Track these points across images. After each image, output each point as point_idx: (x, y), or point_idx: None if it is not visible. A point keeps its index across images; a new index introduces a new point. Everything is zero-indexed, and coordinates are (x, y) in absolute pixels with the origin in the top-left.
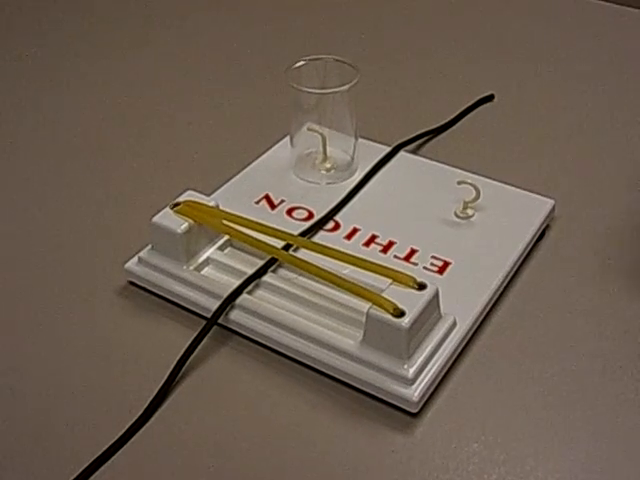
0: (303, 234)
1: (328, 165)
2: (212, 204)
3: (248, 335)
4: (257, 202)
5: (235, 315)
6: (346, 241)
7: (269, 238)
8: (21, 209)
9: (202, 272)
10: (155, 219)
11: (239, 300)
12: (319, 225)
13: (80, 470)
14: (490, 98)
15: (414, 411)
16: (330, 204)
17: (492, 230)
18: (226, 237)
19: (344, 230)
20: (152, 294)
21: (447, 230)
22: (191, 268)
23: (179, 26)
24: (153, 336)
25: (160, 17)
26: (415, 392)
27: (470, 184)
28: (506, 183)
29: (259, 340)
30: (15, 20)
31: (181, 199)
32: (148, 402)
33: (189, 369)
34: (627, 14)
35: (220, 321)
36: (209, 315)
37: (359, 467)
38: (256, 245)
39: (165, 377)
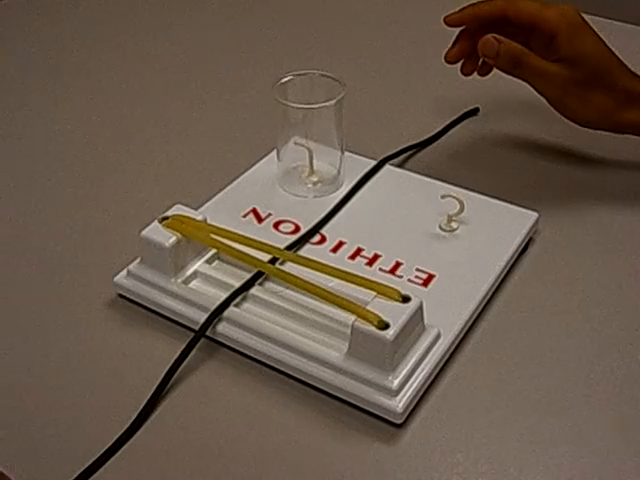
0: (289, 247)
1: (314, 179)
2: (200, 218)
3: (235, 347)
4: (244, 216)
5: (222, 328)
6: (332, 254)
7: (256, 251)
8: (10, 222)
9: (190, 285)
10: (144, 233)
11: (226, 313)
12: (305, 238)
13: None
14: (475, 112)
15: (398, 422)
16: (316, 217)
17: (476, 243)
18: (214, 250)
19: (330, 243)
20: (141, 307)
21: (431, 243)
22: (179, 281)
23: (165, 41)
24: (141, 348)
25: (145, 32)
26: (399, 403)
27: (454, 197)
28: (490, 196)
29: (246, 352)
30: (11, 21)
31: (169, 213)
32: (136, 414)
33: (177, 381)
34: (628, 31)
35: (208, 333)
36: (197, 328)
37: (343, 477)
38: (243, 258)
39: (153, 389)
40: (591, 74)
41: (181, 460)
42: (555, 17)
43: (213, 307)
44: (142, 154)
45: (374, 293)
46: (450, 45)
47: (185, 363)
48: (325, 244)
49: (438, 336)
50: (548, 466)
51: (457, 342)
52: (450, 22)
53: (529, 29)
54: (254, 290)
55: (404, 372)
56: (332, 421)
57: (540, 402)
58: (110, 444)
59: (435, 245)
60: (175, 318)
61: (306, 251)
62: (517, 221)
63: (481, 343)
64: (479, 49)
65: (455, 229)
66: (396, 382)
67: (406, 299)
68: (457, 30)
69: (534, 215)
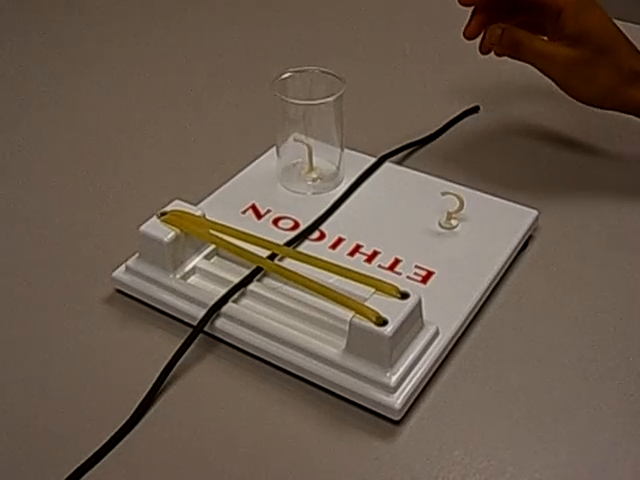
0: (289, 244)
1: (314, 175)
2: (199, 213)
3: (233, 343)
4: (243, 212)
5: (221, 323)
6: (331, 251)
7: (255, 247)
8: (8, 218)
9: (188, 281)
10: (142, 228)
11: (225, 308)
12: (304, 235)
13: (63, 478)
14: (475, 110)
15: (396, 419)
16: (315, 214)
17: (475, 240)
18: (212, 246)
19: (329, 240)
20: (139, 302)
21: (431, 240)
22: (178, 277)
23: (164, 38)
24: (140, 343)
25: (146, 30)
26: (397, 400)
27: (454, 195)
28: (490, 193)
29: (244, 348)
30: (11, 19)
31: (168, 208)
32: (134, 409)
33: (175, 376)
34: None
35: (206, 329)
36: (195, 323)
37: (341, 474)
38: (242, 254)
39: (151, 384)
40: (596, 50)
41: (178, 456)
42: None
43: (211, 303)
44: (142, 150)
45: (373, 289)
46: (466, 22)
47: (183, 359)
48: (324, 240)
49: (437, 333)
50: (546, 463)
51: (456, 339)
52: (464, 1)
53: (538, 7)
54: (253, 286)
55: (402, 369)
56: (330, 417)
57: (538, 399)
58: (107, 439)
59: (434, 242)
60: (173, 314)
61: (305, 247)
62: (517, 219)
63: (480, 340)
64: (486, 39)
65: (455, 226)
66: (394, 379)
67: (405, 295)
68: (461, 21)
69: (534, 213)
